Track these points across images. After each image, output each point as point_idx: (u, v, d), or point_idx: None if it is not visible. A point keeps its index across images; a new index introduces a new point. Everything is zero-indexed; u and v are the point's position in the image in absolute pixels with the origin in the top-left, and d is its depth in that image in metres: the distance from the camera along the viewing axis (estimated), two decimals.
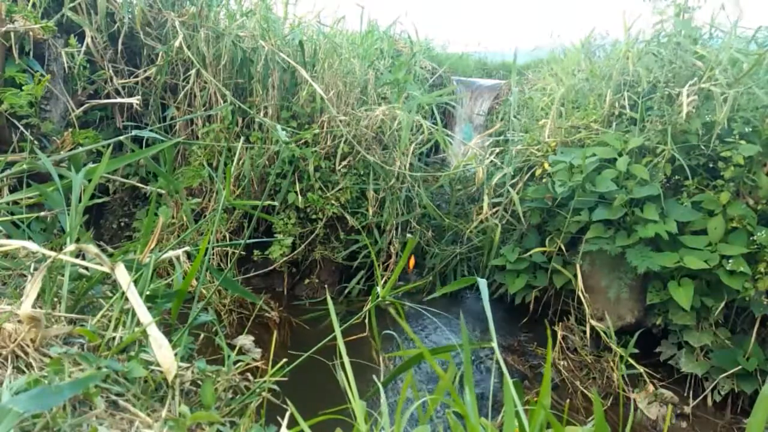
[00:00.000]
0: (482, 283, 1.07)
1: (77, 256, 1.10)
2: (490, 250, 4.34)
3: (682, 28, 3.70)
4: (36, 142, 3.15)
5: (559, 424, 0.81)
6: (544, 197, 3.95)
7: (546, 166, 3.95)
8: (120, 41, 4.08)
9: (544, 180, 4.01)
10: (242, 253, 4.38)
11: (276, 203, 4.21)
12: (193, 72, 4.19)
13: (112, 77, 4.07)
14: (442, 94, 4.33)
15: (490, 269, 4.39)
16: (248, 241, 1.68)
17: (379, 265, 4.43)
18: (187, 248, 1.39)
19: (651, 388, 3.31)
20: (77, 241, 1.18)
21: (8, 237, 1.47)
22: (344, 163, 4.32)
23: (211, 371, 1.02)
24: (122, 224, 4.44)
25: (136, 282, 1.08)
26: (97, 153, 3.20)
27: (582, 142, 3.95)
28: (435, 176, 5.14)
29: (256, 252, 4.34)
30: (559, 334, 3.72)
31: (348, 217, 4.33)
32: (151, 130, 2.06)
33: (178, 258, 1.34)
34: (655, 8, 3.74)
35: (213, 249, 3.93)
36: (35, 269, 1.19)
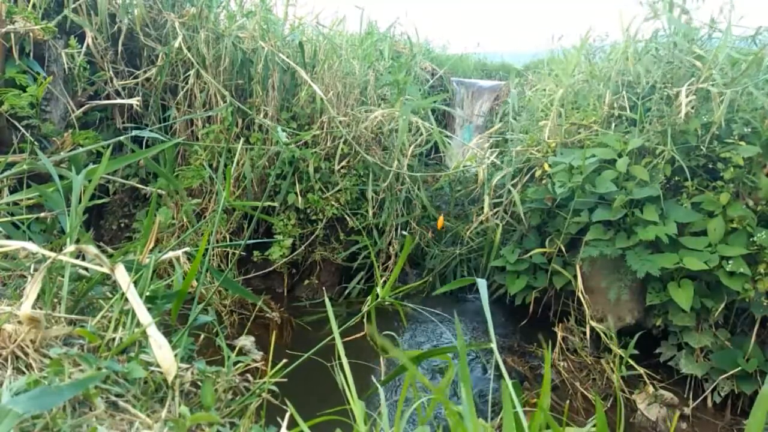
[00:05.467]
0: (481, 284, 1.07)
1: (77, 257, 1.10)
2: (491, 251, 4.34)
3: (674, 26, 3.70)
4: (36, 143, 3.15)
5: (559, 426, 0.81)
6: (544, 198, 3.95)
7: (546, 167, 3.95)
8: (120, 42, 4.09)
9: (543, 181, 4.01)
10: (242, 254, 4.38)
11: (276, 204, 4.21)
12: (192, 73, 4.19)
13: (113, 78, 4.08)
14: (435, 100, 4.35)
15: (490, 270, 4.39)
16: (248, 242, 1.68)
17: (378, 266, 4.43)
18: (187, 249, 1.39)
19: (651, 389, 3.30)
20: (77, 241, 1.18)
21: (8, 238, 1.47)
22: (344, 164, 4.33)
23: (210, 372, 1.02)
24: (122, 225, 4.44)
25: (135, 283, 1.08)
26: (97, 154, 3.20)
27: (582, 143, 3.96)
28: (435, 177, 5.15)
29: (256, 253, 4.34)
30: (559, 335, 3.72)
31: (348, 218, 4.33)
32: (151, 131, 2.06)
33: (177, 259, 1.34)
34: (646, 5, 3.74)
35: (213, 250, 3.93)
36: (35, 270, 1.19)
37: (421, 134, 4.54)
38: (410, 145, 4.41)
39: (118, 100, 4.03)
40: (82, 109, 3.82)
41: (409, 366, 0.85)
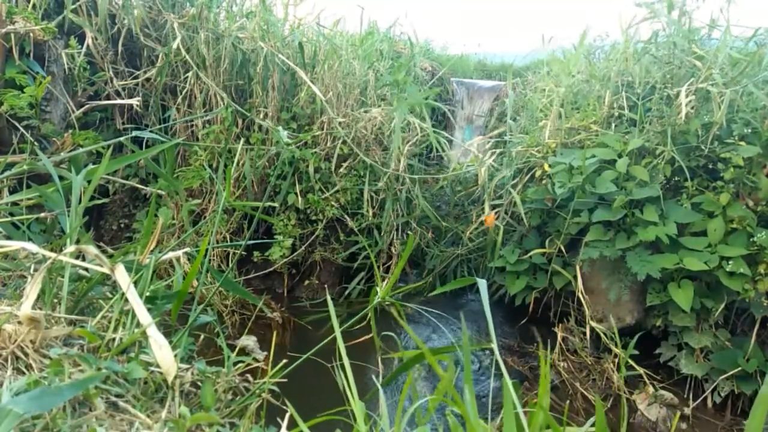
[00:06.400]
0: (482, 284, 1.07)
1: (77, 258, 1.10)
2: (492, 251, 4.34)
3: (673, 27, 3.70)
4: (36, 143, 3.15)
5: (559, 426, 0.81)
6: (544, 198, 3.95)
7: (546, 167, 3.95)
8: (120, 43, 4.09)
9: (543, 181, 4.01)
10: (242, 254, 4.38)
11: (276, 204, 4.21)
12: (192, 73, 4.19)
13: (113, 78, 4.08)
14: (428, 96, 4.32)
15: (490, 270, 4.39)
16: (248, 243, 1.68)
17: (379, 267, 4.43)
18: (187, 249, 1.39)
19: (651, 389, 3.30)
20: (77, 242, 1.18)
21: (8, 238, 1.47)
22: (344, 164, 4.33)
23: (210, 372, 1.02)
24: (122, 225, 4.44)
25: (136, 283, 1.08)
26: (97, 154, 3.20)
27: (582, 144, 3.96)
28: (434, 177, 5.15)
29: (256, 253, 4.34)
30: (559, 335, 3.72)
31: (348, 218, 4.33)
32: (151, 132, 2.07)
33: (178, 259, 1.34)
34: (644, 6, 3.74)
35: (213, 250, 3.93)
36: (35, 270, 1.19)
37: (419, 134, 4.54)
38: (406, 144, 4.40)
39: (118, 101, 4.03)
40: (82, 110, 3.82)
41: (426, 353, 0.85)
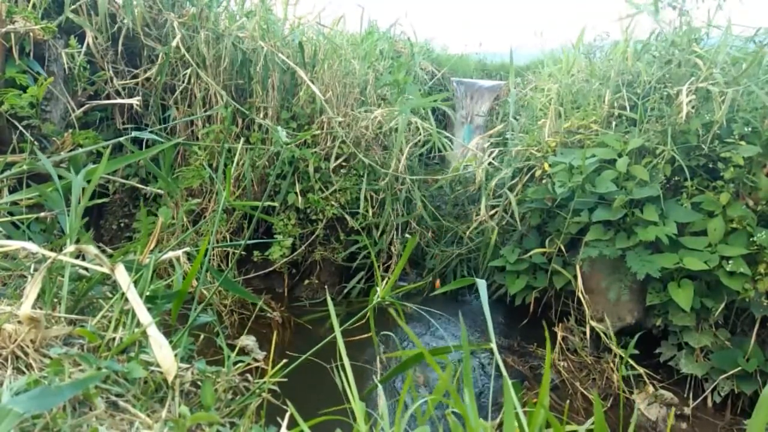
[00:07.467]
0: (481, 284, 1.07)
1: (77, 257, 1.10)
2: (484, 252, 4.34)
3: (667, 26, 3.70)
4: (36, 142, 3.15)
5: (559, 424, 0.81)
6: (544, 198, 3.95)
7: (546, 166, 3.95)
8: (120, 42, 4.09)
9: (543, 181, 4.01)
10: (242, 253, 4.38)
11: (276, 204, 4.21)
12: (192, 73, 4.19)
13: (113, 78, 4.07)
14: (435, 99, 4.33)
15: (490, 270, 4.39)
16: (248, 242, 1.68)
17: (379, 266, 4.43)
18: (187, 249, 1.39)
19: (651, 389, 3.30)
20: (77, 241, 1.18)
21: (8, 238, 1.47)
22: (343, 164, 4.33)
23: (210, 372, 1.02)
24: (122, 225, 4.44)
25: (136, 283, 1.08)
26: (97, 154, 3.20)
27: (582, 143, 3.96)
28: (434, 177, 5.15)
29: (256, 253, 4.34)
30: (559, 335, 3.72)
31: (348, 218, 4.33)
32: (151, 131, 2.07)
33: (177, 259, 1.34)
34: (633, 5, 3.74)
35: (213, 250, 3.93)
36: (35, 270, 1.19)
37: (420, 134, 4.54)
38: (408, 145, 4.40)
39: (118, 100, 4.03)
40: (82, 109, 3.82)
41: (426, 354, 0.85)
